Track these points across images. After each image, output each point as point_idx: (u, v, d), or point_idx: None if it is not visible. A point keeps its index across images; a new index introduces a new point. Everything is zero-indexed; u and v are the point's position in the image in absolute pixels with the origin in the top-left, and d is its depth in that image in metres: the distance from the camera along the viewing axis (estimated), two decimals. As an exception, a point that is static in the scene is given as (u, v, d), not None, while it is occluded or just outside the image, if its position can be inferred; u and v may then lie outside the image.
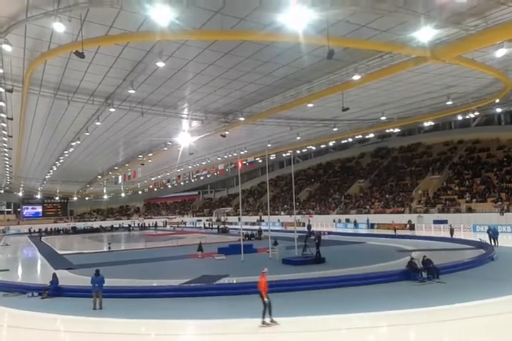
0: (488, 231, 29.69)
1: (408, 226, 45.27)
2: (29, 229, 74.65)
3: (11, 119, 31.33)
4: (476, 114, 42.85)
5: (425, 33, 19.18)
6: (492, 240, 28.42)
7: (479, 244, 27.39)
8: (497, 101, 36.35)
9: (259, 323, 11.89)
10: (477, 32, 19.46)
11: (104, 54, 21.93)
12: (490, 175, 48.13)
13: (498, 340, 9.79)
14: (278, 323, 11.89)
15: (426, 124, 48.05)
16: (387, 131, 52.33)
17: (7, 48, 18.91)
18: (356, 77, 24.95)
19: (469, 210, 43.95)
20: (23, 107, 29.85)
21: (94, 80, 26.47)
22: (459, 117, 44.14)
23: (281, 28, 17.83)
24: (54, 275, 18.22)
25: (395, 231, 42.33)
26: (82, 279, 19.84)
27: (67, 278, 20.97)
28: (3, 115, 30.62)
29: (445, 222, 42.16)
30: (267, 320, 11.92)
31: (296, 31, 17.52)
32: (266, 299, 11.99)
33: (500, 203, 42.00)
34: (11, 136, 37.77)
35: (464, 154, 55.66)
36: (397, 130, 52.00)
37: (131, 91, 27.24)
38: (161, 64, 22.41)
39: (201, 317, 13.59)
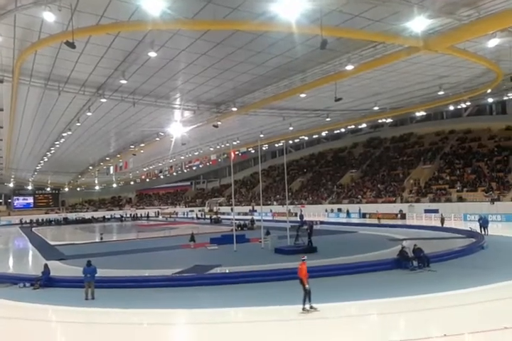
0: (479, 221, 30.06)
1: (399, 215, 45.69)
2: (20, 220, 74.37)
3: (1, 110, 31.01)
4: (468, 104, 43.12)
5: (418, 23, 19.16)
6: (482, 229, 28.80)
7: (470, 233, 27.72)
8: (489, 91, 36.49)
9: (299, 310, 12.08)
10: (470, 22, 19.47)
11: (95, 44, 21.67)
12: (481, 164, 48.55)
13: (487, 327, 9.94)
14: (318, 310, 12.08)
15: (418, 114, 48.27)
16: (380, 121, 52.42)
17: (-4, 38, 18.66)
18: (349, 67, 24.94)
19: (460, 199, 44.41)
20: (14, 98, 29.49)
21: (86, 70, 26.19)
22: (451, 107, 44.31)
23: (274, 17, 17.70)
24: (46, 265, 18.19)
25: (379, 220, 42.92)
26: (73, 270, 19.83)
27: (58, 268, 20.99)
28: (-8, 105, 30.31)
29: (436, 211, 42.62)
30: (307, 306, 12.13)
31: (289, 21, 17.43)
32: (307, 286, 12.20)
33: (490, 192, 42.44)
34: (1, 127, 37.47)
35: (455, 144, 56.01)
36: (389, 120, 52.06)
37: (123, 82, 26.98)
38: (152, 54, 22.16)
39: (194, 306, 13.70)
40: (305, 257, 13.14)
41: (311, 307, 12.14)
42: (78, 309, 13.97)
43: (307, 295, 12.11)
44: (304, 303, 12.12)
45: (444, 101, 39.43)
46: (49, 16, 16.40)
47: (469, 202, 42.79)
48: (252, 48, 23.28)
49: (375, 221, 43.47)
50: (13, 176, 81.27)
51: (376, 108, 40.39)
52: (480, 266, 18.14)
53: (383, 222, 42.14)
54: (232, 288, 16.11)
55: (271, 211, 62.71)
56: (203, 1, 17.23)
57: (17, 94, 28.86)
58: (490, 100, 43.59)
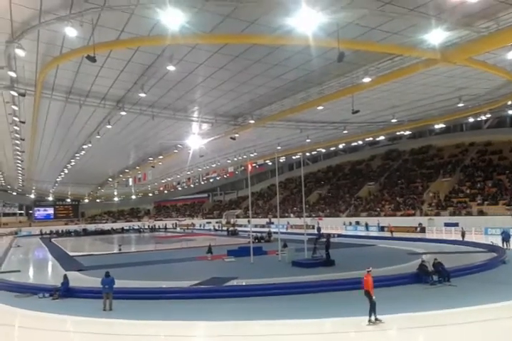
0: (501, 234, 29.49)
1: (419, 229, 45.00)
2: (40, 231, 75.38)
3: (24, 123, 31.70)
4: (488, 116, 42.57)
5: (436, 35, 19.13)
6: (505, 243, 28.21)
7: (491, 247, 27.11)
8: (509, 103, 36.04)
9: (365, 322, 12.13)
10: (489, 34, 19.36)
11: (116, 58, 22.15)
12: (502, 177, 47.67)
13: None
14: (383, 321, 12.10)
15: (437, 126, 47.74)
16: (398, 133, 52.09)
17: (20, 53, 19.19)
18: (366, 80, 24.91)
19: (481, 213, 43.59)
20: (35, 111, 30.22)
21: (106, 84, 26.73)
22: (471, 119, 43.81)
23: (290, 31, 17.90)
24: (65, 276, 18.40)
25: (392, 233, 42.34)
26: (92, 280, 19.97)
27: (77, 279, 21.20)
28: (15, 118, 30.98)
29: (456, 224, 41.87)
30: (373, 318, 12.18)
31: (306, 34, 17.58)
32: (374, 297, 12.30)
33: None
34: (23, 139, 38.20)
35: (475, 156, 55.19)
36: (407, 132, 51.68)
37: (142, 95, 27.40)
38: (171, 67, 22.54)
39: (211, 318, 13.65)
40: (370, 268, 13.18)
41: (376, 319, 12.16)
42: (96, 320, 14.05)
43: (373, 307, 12.17)
44: (370, 315, 12.17)
45: (464, 113, 39.02)
46: (71, 31, 16.85)
47: (490, 216, 41.94)
48: (268, 61, 23.49)
49: (394, 234, 42.85)
50: (34, 187, 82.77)
51: (394, 120, 40.12)
52: (502, 281, 17.76)
53: (399, 235, 41.45)
54: (249, 301, 16.03)
55: (288, 223, 62.44)
56: (221, 15, 17.53)
57: (39, 107, 29.56)
58: (511, 112, 42.96)
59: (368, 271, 12.98)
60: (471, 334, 11.10)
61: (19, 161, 51.86)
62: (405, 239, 38.27)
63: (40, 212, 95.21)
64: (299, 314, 13.59)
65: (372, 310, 12.13)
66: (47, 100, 28.61)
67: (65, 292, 17.61)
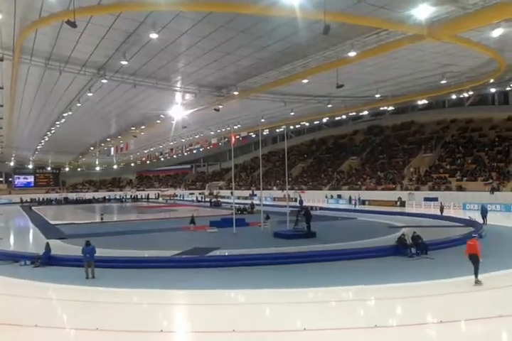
0: (481, 210, 30.17)
1: (399, 203, 45.92)
2: (21, 199, 74.80)
3: (1, 88, 30.89)
4: (470, 93, 42.93)
5: (422, 11, 19.07)
6: (482, 218, 28.98)
7: (468, 222, 27.77)
8: (491, 81, 36.35)
9: (472, 282, 13.06)
10: (475, 11, 19.33)
11: (97, 24, 21.53)
12: (481, 154, 48.53)
13: (483, 315, 10.13)
14: (482, 284, 12.96)
15: (420, 103, 48.10)
16: (381, 108, 52.34)
17: (-3, 16, 18.54)
18: (352, 54, 24.74)
19: (460, 188, 44.54)
20: (14, 76, 29.40)
21: (86, 50, 26.07)
22: (453, 96, 44.15)
23: (277, 1, 17.59)
24: (47, 244, 18.42)
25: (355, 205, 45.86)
26: (74, 249, 20.01)
27: (59, 247, 21.19)
28: (-7, 84, 30.18)
29: (436, 199, 42.78)
30: (479, 277, 13.16)
31: (292, 5, 17.31)
32: (481, 260, 13.19)
33: (491, 181, 42.56)
34: (2, 106, 37.29)
35: (456, 133, 55.88)
36: (390, 108, 52.00)
37: (124, 63, 26.83)
38: (154, 35, 22.05)
39: (193, 287, 13.93)
40: (476, 235, 14.70)
41: (477, 281, 13.08)
42: (79, 288, 14.19)
43: (478, 269, 13.16)
44: (476, 275, 13.12)
45: (447, 90, 39.28)
46: (51, -5, 16.28)
47: (469, 192, 42.92)
48: (253, 32, 23.13)
49: (375, 208, 43.69)
50: (13, 155, 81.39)
51: (378, 95, 40.23)
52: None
53: (379, 209, 42.50)
54: (231, 271, 16.33)
55: (270, 195, 62.74)
56: (207, -17, 17.10)
57: (17, 72, 28.74)
58: (492, 90, 43.47)
59: (474, 237, 14.59)
60: (445, 305, 11.49)
61: (-3, 128, 50.82)
62: (385, 212, 39.08)
63: (20, 180, 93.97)
64: (279, 283, 13.94)
65: (477, 271, 13.12)
66: (26, 65, 27.82)
67: (47, 260, 17.66)
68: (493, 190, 40.71)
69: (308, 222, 24.84)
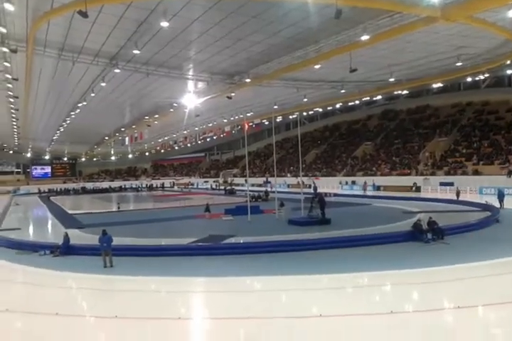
0: (498, 194, 29.83)
1: (414, 188, 45.55)
2: (39, 189, 75.97)
3: (17, 80, 31.22)
4: (486, 75, 42.20)
5: (437, -9, 18.63)
6: (499, 202, 28.66)
7: (485, 206, 27.42)
8: (508, 62, 35.56)
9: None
10: (491, -10, 18.87)
11: (108, 13, 21.58)
12: (498, 137, 47.72)
13: (500, 300, 10.08)
14: None
15: (434, 86, 47.35)
16: (395, 92, 51.62)
17: (9, 7, 18.68)
18: (365, 37, 24.42)
19: (476, 173, 44.00)
20: (28, 68, 29.66)
21: (99, 40, 26.16)
22: (469, 79, 43.36)
23: (288, -14, 17.37)
24: (66, 234, 18.71)
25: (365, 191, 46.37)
26: (92, 238, 20.25)
27: (77, 236, 21.46)
28: (8, 76, 30.45)
29: (451, 184, 42.34)
30: None
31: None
32: None
33: (507, 165, 41.93)
34: (17, 97, 37.75)
35: (472, 116, 54.95)
36: (405, 92, 51.25)
37: (136, 52, 26.89)
38: (165, 23, 22.00)
39: (210, 274, 14.06)
40: None
41: None
42: (97, 276, 14.41)
43: None
44: None
45: (462, 73, 38.61)
46: (62, -14, 16.30)
47: (485, 176, 42.32)
48: (265, 18, 22.96)
49: (390, 193, 43.40)
50: (30, 146, 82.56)
51: (392, 79, 39.68)
52: (494, 240, 18.08)
53: (394, 194, 42.07)
54: (247, 258, 16.43)
55: (285, 182, 62.85)
56: (217, -31, 16.93)
57: (31, 64, 29.01)
58: (509, 72, 42.46)
59: None
60: (463, 290, 11.47)
61: (14, 119, 51.44)
62: (400, 198, 38.73)
63: (37, 171, 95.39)
64: (295, 270, 14.00)
65: None
66: (39, 57, 28.06)
67: (66, 249, 17.95)
68: (510, 174, 40.10)
69: (323, 209, 24.81)
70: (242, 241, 20.17)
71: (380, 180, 51.30)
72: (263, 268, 14.87)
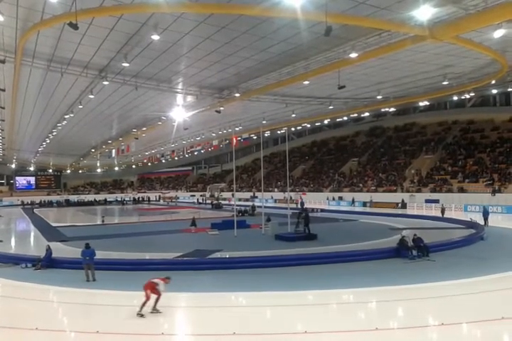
0: (483, 212, 30.06)
1: (400, 205, 45.81)
2: (22, 201, 74.85)
3: (3, 90, 30.95)
4: (472, 94, 42.87)
5: (424, 12, 19.02)
6: (483, 220, 28.87)
7: (470, 224, 27.66)
8: (493, 82, 36.28)
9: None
10: (476, 12, 19.30)
11: (98, 26, 21.53)
12: (483, 156, 48.45)
13: (485, 317, 10.06)
14: None
15: (421, 104, 48.04)
16: (383, 110, 52.29)
17: (-1, 17, 18.55)
18: (353, 55, 24.74)
19: (461, 190, 44.46)
20: (16, 78, 29.43)
21: (88, 52, 26.07)
22: (455, 97, 44.10)
23: (279, 2, 17.56)
24: (48, 247, 18.38)
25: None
26: (75, 251, 19.88)
27: (60, 250, 21.13)
28: (-5, 86, 30.21)
29: (437, 201, 42.75)
30: None
31: (294, 6, 17.29)
32: None
33: (491, 182, 42.44)
34: (4, 108, 37.39)
35: (458, 134, 55.81)
36: (392, 109, 51.95)
37: (125, 65, 26.85)
38: (155, 37, 22.04)
39: (194, 290, 13.86)
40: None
41: None
42: (80, 290, 14.11)
43: None
44: None
45: (448, 92, 39.25)
46: (52, -3, 16.29)
47: (470, 193, 42.82)
48: (255, 33, 23.12)
49: (375, 210, 43.51)
50: (15, 157, 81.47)
51: (379, 97, 40.20)
52: (479, 257, 18.22)
53: (380, 211, 42.17)
54: (232, 273, 16.26)
55: (272, 197, 62.81)
56: (208, -16, 17.08)
57: (19, 74, 28.80)
58: (494, 91, 43.38)
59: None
60: (447, 307, 11.46)
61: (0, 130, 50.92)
62: (387, 214, 38.95)
63: (21, 182, 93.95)
64: (280, 286, 13.89)
65: None
66: (28, 68, 27.85)
67: (48, 262, 17.63)
68: (494, 192, 40.61)
69: (307, 225, 24.76)
70: (227, 256, 20.00)
71: (367, 197, 51.54)
72: (248, 283, 14.71)
